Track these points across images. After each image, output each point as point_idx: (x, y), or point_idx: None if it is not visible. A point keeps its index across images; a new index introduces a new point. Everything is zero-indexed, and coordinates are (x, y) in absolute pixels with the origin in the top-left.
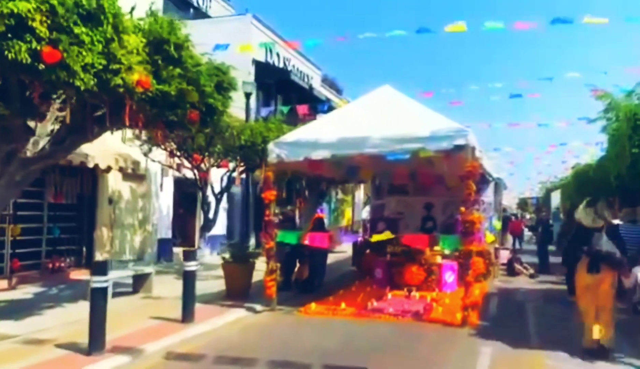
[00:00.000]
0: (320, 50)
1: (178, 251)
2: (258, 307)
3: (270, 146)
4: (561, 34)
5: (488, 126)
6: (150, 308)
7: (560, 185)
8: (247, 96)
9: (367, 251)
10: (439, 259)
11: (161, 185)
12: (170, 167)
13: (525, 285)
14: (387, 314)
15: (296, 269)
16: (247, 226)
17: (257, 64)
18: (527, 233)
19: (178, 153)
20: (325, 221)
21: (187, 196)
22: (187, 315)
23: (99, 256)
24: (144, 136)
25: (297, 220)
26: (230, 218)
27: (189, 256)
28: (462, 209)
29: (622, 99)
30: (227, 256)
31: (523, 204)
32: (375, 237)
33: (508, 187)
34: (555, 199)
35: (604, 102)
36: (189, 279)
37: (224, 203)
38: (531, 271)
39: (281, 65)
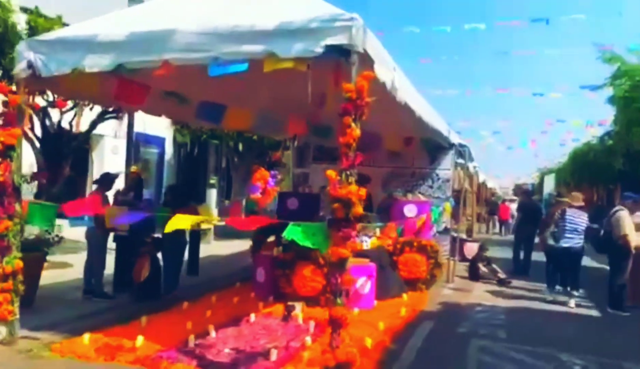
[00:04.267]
0: None
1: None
2: (1, 332)
3: (20, 46)
4: None
5: (469, 92)
6: None
7: (556, 169)
8: None
9: (273, 237)
10: None
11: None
12: None
13: (486, 299)
14: (199, 367)
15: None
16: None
17: None
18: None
19: None
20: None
21: (77, 150)
22: None
23: None
24: None
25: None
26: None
27: None
28: (331, 174)
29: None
30: None
31: (517, 189)
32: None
33: (502, 173)
34: (549, 184)
35: (612, 66)
36: None
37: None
38: (501, 275)
39: None
